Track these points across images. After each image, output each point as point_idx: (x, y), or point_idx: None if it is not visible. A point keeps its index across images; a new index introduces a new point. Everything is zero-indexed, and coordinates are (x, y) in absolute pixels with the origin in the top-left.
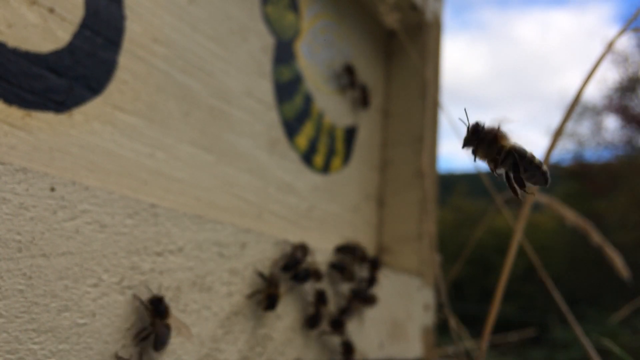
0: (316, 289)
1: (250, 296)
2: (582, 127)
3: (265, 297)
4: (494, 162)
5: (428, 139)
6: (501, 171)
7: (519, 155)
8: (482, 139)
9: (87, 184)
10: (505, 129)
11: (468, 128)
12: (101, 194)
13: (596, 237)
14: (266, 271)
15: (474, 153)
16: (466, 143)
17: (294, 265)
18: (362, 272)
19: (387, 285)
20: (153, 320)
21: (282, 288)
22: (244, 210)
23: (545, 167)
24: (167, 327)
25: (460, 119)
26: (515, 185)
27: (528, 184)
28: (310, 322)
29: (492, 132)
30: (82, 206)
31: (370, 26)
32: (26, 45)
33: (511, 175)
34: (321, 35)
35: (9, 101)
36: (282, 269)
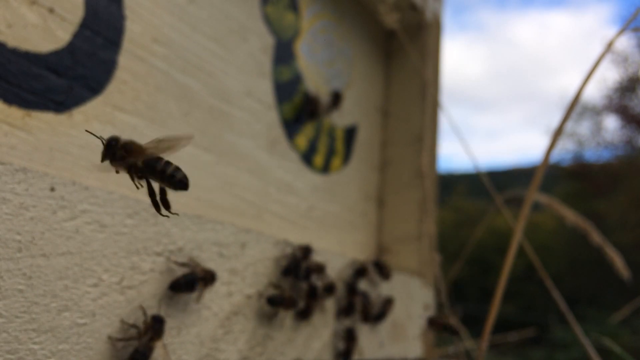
0: (309, 285)
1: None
2: (582, 127)
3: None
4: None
5: (428, 139)
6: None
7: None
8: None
9: (87, 184)
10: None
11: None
12: (101, 194)
13: (596, 237)
14: (266, 271)
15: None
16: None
17: (294, 267)
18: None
19: (387, 285)
20: (145, 332)
21: (288, 287)
22: (244, 210)
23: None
24: (151, 349)
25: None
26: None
27: None
28: (301, 315)
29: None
30: (82, 206)
31: (370, 26)
32: (26, 45)
33: None
34: (321, 35)
35: (9, 101)
36: (282, 273)
